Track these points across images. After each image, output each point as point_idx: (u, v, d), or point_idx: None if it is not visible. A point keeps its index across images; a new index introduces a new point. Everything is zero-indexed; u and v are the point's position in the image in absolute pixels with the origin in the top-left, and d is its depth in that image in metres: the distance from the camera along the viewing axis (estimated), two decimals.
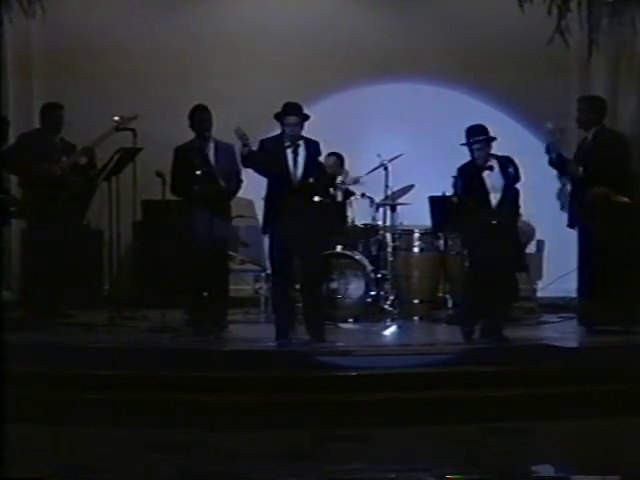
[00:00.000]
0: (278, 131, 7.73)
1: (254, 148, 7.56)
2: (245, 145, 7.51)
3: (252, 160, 7.59)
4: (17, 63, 9.82)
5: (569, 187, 8.73)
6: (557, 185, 9.23)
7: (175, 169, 8.19)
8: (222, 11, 10.26)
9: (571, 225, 8.38)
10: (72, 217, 8.55)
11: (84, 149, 8.51)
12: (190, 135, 8.28)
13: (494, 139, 7.70)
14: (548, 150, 8.15)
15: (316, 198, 7.77)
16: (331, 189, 9.41)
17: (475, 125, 7.75)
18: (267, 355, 7.36)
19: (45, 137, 8.65)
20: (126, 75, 9.96)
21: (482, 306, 7.67)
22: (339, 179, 9.33)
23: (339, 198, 9.33)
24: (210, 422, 6.35)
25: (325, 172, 8.28)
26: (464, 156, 7.94)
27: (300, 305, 7.87)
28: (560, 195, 9.27)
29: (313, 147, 7.71)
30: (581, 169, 8.13)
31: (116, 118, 8.34)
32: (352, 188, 9.44)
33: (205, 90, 9.42)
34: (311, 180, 7.61)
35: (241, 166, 7.93)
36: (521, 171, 7.78)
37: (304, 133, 7.68)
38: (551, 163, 8.26)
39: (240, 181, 8.35)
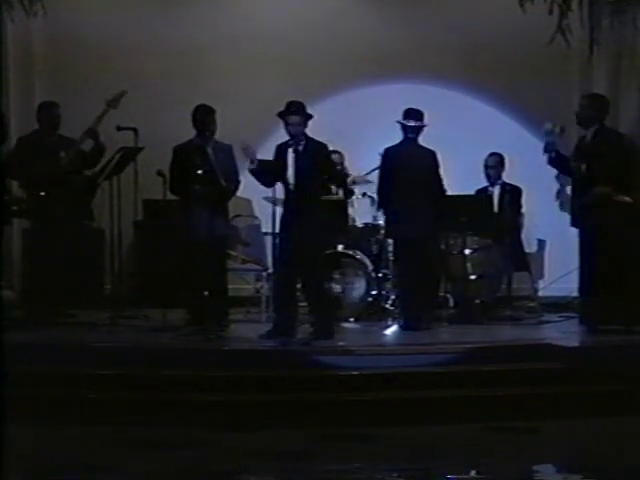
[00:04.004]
0: (280, 130, 7.74)
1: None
2: (252, 162, 7.59)
3: (257, 176, 7.71)
4: (18, 62, 9.81)
5: (569, 188, 8.72)
6: (557, 185, 9.24)
7: (174, 168, 8.17)
8: (224, 11, 10.25)
9: (574, 225, 8.36)
10: (73, 216, 8.54)
11: (87, 131, 8.45)
12: (191, 135, 8.27)
13: None
14: (546, 149, 8.16)
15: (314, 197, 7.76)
16: (333, 188, 9.43)
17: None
18: (267, 355, 7.35)
19: (43, 138, 8.61)
20: (127, 75, 9.94)
21: None
22: (349, 179, 9.34)
23: (340, 197, 9.34)
24: (210, 422, 6.36)
25: (335, 172, 8.26)
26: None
27: (302, 305, 7.87)
28: (559, 195, 9.27)
29: (317, 147, 7.70)
30: (584, 166, 8.10)
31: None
32: (353, 188, 9.44)
33: (207, 90, 9.40)
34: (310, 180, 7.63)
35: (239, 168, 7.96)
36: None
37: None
38: (550, 161, 8.26)
39: (239, 181, 8.35)
